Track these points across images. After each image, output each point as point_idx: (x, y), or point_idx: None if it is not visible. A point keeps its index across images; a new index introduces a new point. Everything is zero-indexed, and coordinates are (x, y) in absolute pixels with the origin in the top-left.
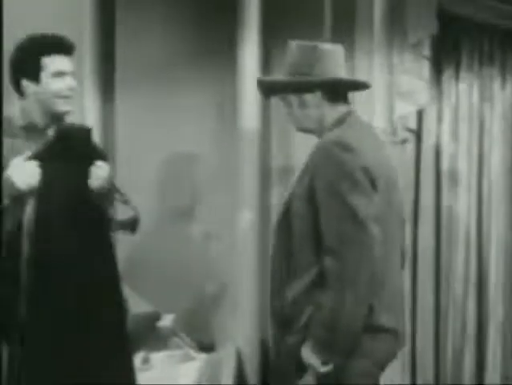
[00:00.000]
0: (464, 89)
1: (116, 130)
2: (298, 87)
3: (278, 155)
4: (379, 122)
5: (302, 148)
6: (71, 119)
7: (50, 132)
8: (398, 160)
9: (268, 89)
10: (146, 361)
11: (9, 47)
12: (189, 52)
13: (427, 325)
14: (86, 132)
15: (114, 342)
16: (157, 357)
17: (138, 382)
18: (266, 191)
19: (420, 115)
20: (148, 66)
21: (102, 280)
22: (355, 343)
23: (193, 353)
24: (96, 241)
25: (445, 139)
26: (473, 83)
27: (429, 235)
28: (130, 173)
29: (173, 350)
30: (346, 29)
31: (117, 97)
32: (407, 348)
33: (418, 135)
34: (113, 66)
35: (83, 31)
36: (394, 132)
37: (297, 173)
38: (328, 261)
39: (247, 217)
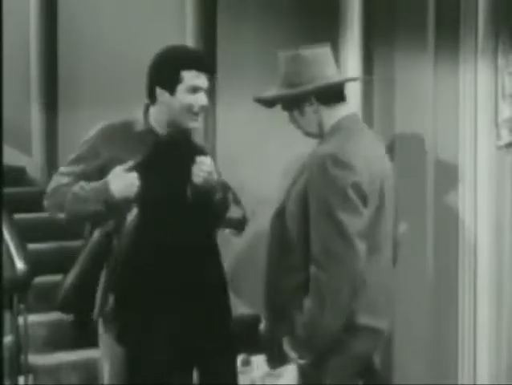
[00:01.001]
0: None
1: (217, 133)
2: (292, 98)
3: None
4: (483, 125)
5: None
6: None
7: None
8: (500, 165)
9: (269, 102)
10: (247, 363)
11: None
12: None
13: None
14: (184, 132)
15: (220, 343)
16: (258, 359)
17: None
18: None
19: None
20: (248, 69)
21: (208, 283)
22: (332, 343)
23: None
24: (201, 243)
25: None
26: None
27: None
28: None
29: None
30: (450, 30)
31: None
32: None
33: None
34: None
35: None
36: (498, 136)
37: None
38: (313, 270)
39: None
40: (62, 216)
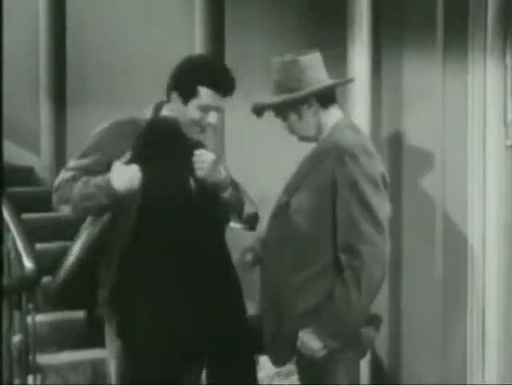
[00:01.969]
0: None
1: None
2: (293, 103)
3: None
4: (491, 124)
5: None
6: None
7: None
8: (509, 164)
9: (260, 108)
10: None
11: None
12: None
13: None
14: (173, 124)
15: (237, 342)
16: (265, 359)
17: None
18: None
19: None
20: (254, 68)
21: (219, 283)
22: (357, 332)
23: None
24: (207, 239)
25: None
26: None
27: None
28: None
29: None
30: (458, 29)
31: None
32: None
33: None
34: None
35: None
36: (507, 135)
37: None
38: (346, 258)
39: None
40: (68, 211)
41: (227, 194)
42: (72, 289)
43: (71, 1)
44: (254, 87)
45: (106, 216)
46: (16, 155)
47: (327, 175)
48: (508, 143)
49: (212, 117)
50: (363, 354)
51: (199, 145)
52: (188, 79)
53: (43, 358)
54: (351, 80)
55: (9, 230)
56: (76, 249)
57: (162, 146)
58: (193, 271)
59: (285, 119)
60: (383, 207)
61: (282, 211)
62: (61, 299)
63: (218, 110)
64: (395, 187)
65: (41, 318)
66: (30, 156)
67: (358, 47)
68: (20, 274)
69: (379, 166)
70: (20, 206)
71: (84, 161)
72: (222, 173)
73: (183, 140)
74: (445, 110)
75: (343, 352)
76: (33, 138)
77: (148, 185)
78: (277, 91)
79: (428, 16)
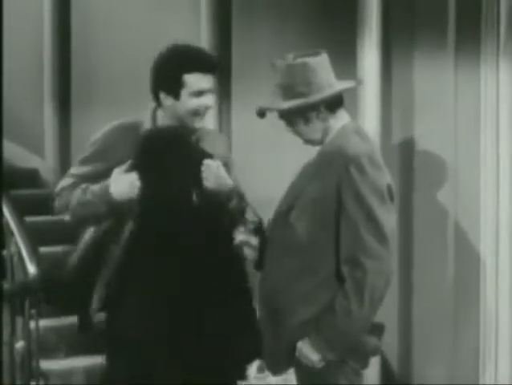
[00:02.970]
0: None
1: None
2: (302, 109)
3: None
4: (504, 126)
5: None
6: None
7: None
8: None
9: (263, 110)
10: (262, 369)
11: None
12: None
13: None
14: (176, 132)
15: (246, 347)
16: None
17: None
18: None
19: None
20: (261, 67)
21: (229, 292)
22: (359, 342)
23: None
24: (209, 251)
25: None
26: None
27: None
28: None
29: None
30: (471, 29)
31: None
32: None
33: None
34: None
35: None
36: None
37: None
38: (348, 270)
39: None
40: (68, 218)
41: (231, 204)
42: (69, 294)
43: (76, 2)
44: (262, 85)
45: (103, 225)
46: (20, 157)
47: (332, 183)
48: None
49: (207, 99)
50: (365, 364)
51: (208, 155)
52: (170, 72)
53: (47, 364)
54: (361, 82)
55: (12, 234)
56: (73, 256)
57: (164, 155)
58: (195, 284)
59: (290, 123)
60: (388, 220)
61: (282, 217)
62: (60, 304)
63: (211, 90)
64: (405, 194)
65: (45, 323)
66: (35, 158)
67: (367, 48)
68: (23, 279)
69: (385, 177)
70: (24, 209)
71: (85, 168)
72: (229, 184)
73: (189, 150)
74: (457, 114)
75: (344, 362)
76: (37, 140)
77: (146, 194)
78: (284, 95)
79: (439, 16)
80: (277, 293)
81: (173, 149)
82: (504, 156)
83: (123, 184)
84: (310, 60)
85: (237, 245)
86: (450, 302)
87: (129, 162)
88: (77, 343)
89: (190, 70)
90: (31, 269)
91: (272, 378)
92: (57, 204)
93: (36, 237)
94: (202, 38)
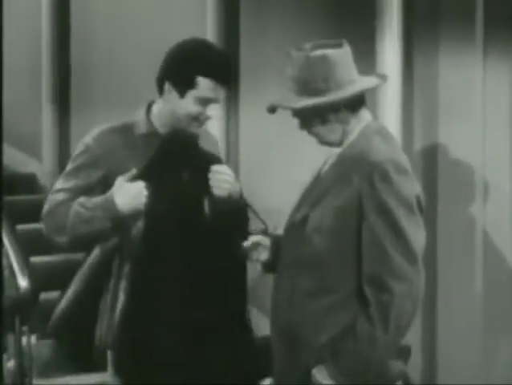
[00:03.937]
0: None
1: (240, 137)
2: (319, 108)
3: None
4: None
5: None
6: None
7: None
8: None
9: (275, 106)
10: None
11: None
12: None
13: None
14: (190, 138)
15: (242, 362)
16: None
17: None
18: None
19: None
20: (274, 67)
21: (226, 301)
22: (383, 369)
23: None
24: (220, 265)
25: None
26: None
27: None
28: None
29: None
30: (501, 22)
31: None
32: None
33: None
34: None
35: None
36: None
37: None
38: (373, 292)
39: None
40: (63, 239)
41: (237, 212)
42: (71, 320)
43: (76, 2)
44: (271, 83)
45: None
46: (17, 161)
47: (353, 192)
48: None
49: (212, 110)
50: None
51: (216, 160)
52: (185, 68)
53: (40, 382)
54: (386, 79)
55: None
56: (76, 279)
57: (175, 162)
58: (203, 298)
59: (304, 122)
60: (417, 235)
61: (296, 229)
62: (59, 331)
63: (218, 102)
64: (429, 206)
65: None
66: (32, 162)
67: (388, 42)
68: (14, 294)
69: (414, 186)
70: (21, 215)
71: (77, 180)
72: (239, 189)
73: (199, 155)
74: (486, 117)
75: None
76: (35, 143)
77: (155, 204)
78: (299, 91)
79: (466, 6)
80: (290, 313)
81: (186, 155)
82: None
83: (130, 193)
84: (331, 52)
85: (250, 247)
86: (479, 322)
87: (135, 170)
88: (71, 361)
89: (207, 74)
90: (23, 283)
91: None
92: (48, 225)
93: (34, 246)
94: (208, 35)
